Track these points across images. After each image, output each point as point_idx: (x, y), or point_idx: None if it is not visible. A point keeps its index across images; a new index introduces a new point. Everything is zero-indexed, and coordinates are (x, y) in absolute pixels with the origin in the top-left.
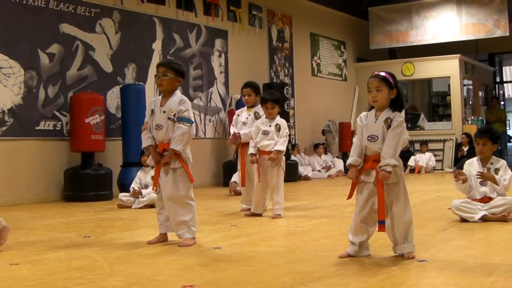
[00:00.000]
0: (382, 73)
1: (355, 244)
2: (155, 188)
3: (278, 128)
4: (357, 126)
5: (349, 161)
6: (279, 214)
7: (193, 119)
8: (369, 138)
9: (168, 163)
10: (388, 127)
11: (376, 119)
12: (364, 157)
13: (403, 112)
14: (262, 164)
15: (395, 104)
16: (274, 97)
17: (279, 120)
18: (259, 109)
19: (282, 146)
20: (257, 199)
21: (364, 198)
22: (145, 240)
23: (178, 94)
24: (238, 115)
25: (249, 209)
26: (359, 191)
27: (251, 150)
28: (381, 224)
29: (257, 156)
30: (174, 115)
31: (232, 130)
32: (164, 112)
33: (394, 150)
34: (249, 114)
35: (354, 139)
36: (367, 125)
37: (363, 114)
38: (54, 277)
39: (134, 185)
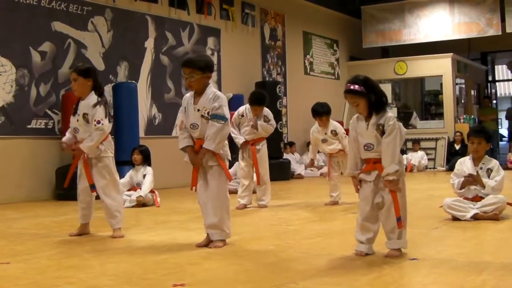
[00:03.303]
0: (352, 86)
1: (363, 242)
2: (194, 188)
3: (334, 133)
4: (350, 134)
5: (346, 174)
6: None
7: (227, 115)
8: (366, 148)
9: (201, 163)
10: (382, 133)
11: (368, 126)
12: (364, 160)
13: (391, 113)
14: (333, 161)
15: (378, 106)
16: (325, 109)
17: (332, 126)
18: (266, 112)
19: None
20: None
21: (366, 195)
22: (136, 239)
23: (210, 90)
24: (242, 116)
25: (245, 205)
26: (361, 190)
27: (311, 155)
28: (399, 221)
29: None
30: (208, 112)
31: (235, 134)
32: (198, 110)
33: (392, 156)
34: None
35: (349, 148)
36: (361, 133)
37: (354, 120)
38: (44, 276)
39: (124, 182)
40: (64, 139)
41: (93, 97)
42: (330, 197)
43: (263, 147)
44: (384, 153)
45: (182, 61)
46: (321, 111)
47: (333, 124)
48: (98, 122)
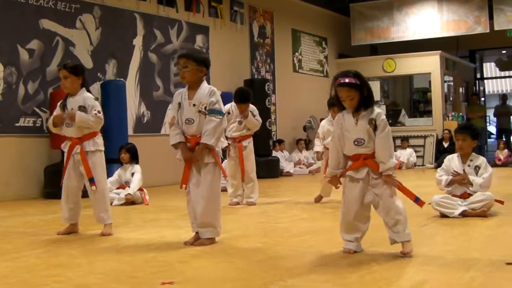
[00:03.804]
0: (347, 79)
1: (351, 241)
2: (184, 186)
3: None
4: (335, 131)
5: (327, 173)
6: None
7: (224, 111)
8: (356, 143)
9: (199, 158)
10: (374, 127)
11: (356, 121)
12: (350, 157)
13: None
14: None
15: (367, 101)
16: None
17: None
18: (251, 108)
19: None
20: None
21: (355, 194)
22: (124, 237)
23: (206, 85)
24: (229, 113)
25: (238, 203)
26: (348, 188)
27: (317, 148)
28: (418, 201)
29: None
30: (205, 107)
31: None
32: (194, 105)
33: (389, 151)
34: None
35: (331, 146)
36: (349, 129)
37: (340, 116)
38: (33, 275)
39: (113, 180)
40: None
41: (86, 93)
42: (321, 196)
43: (249, 145)
44: (381, 148)
45: (178, 55)
46: (333, 103)
47: None
48: (99, 112)
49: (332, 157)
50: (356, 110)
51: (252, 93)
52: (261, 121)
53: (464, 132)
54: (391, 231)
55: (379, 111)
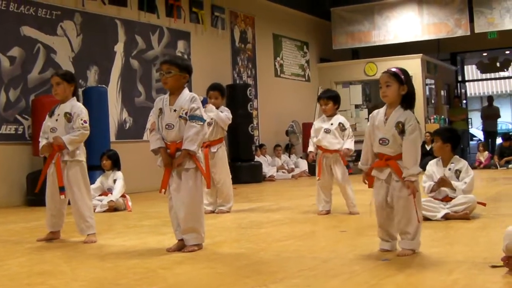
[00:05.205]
0: (393, 69)
1: (387, 241)
2: (164, 191)
3: (342, 127)
4: (368, 127)
5: (359, 166)
6: (356, 210)
7: (205, 117)
8: (381, 142)
9: (181, 164)
10: (400, 131)
11: (386, 120)
12: (377, 154)
13: (412, 113)
14: (325, 163)
15: (406, 101)
16: (327, 94)
17: (340, 118)
18: (223, 109)
19: (351, 144)
20: (322, 198)
21: (382, 196)
22: (107, 244)
23: (187, 92)
24: None
25: (212, 211)
26: (376, 189)
27: (310, 148)
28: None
29: (315, 154)
30: (186, 113)
31: None
32: (175, 110)
33: (415, 157)
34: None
35: (364, 142)
36: (378, 126)
37: (374, 114)
38: (15, 283)
39: (95, 187)
40: (44, 142)
41: (76, 102)
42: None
43: (219, 150)
44: (407, 153)
45: (161, 61)
46: (321, 96)
47: (342, 118)
48: (85, 121)
49: (363, 152)
50: (390, 105)
51: (233, 96)
52: (230, 116)
53: (436, 135)
54: (399, 235)
55: (412, 115)
